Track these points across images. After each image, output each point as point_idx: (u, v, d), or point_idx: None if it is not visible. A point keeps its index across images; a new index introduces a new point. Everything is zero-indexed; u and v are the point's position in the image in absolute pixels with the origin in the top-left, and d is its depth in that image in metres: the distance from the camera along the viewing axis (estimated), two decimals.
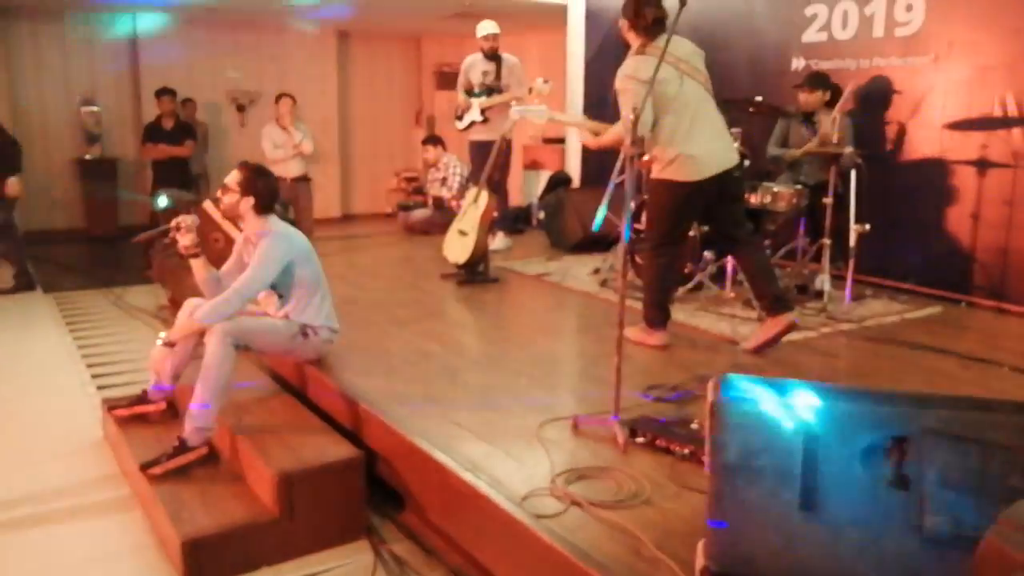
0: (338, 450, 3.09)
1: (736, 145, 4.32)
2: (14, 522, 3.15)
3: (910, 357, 4.06)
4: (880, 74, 5.45)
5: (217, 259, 3.80)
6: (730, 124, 4.14)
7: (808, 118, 5.26)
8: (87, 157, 9.60)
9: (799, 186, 4.92)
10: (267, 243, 3.41)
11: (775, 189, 4.79)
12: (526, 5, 8.36)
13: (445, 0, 8.45)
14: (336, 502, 3.00)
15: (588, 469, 2.66)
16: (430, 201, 7.72)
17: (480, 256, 5.51)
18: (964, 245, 5.18)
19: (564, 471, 2.63)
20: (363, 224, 10.54)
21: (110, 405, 3.80)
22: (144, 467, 3.12)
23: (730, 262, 4.93)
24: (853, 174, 4.78)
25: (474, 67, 6.62)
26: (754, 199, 4.77)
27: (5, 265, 6.97)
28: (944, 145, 5.22)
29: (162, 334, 3.56)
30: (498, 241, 6.64)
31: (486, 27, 6.53)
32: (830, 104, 5.25)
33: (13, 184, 6.67)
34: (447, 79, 11.15)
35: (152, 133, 8.44)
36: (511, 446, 2.85)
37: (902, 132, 5.42)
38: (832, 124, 4.76)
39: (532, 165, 10.02)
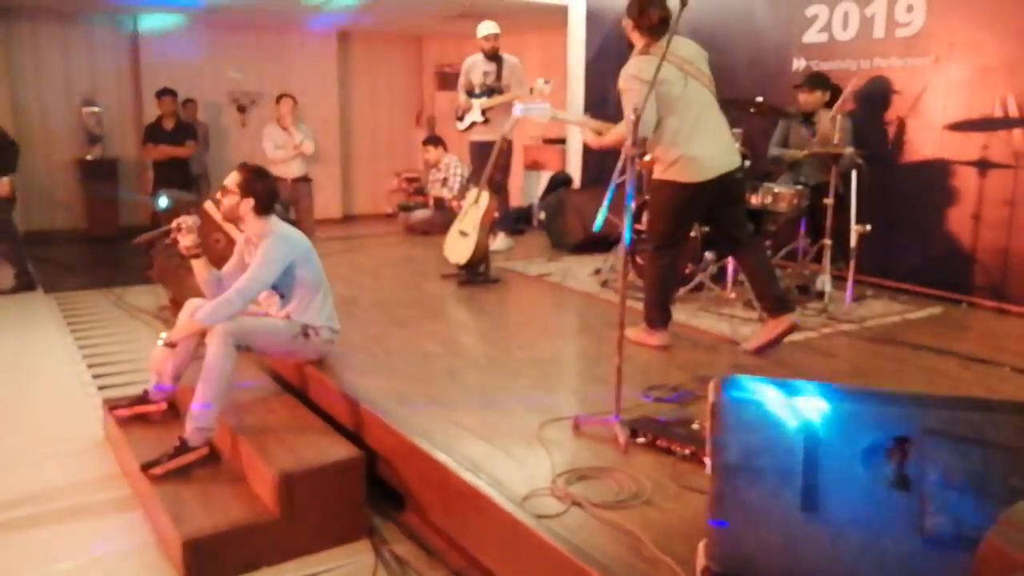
0: (339, 450, 3.09)
1: (737, 146, 4.32)
2: (15, 522, 3.16)
3: (911, 357, 4.06)
4: (881, 75, 5.46)
5: (218, 260, 3.80)
6: (731, 124, 4.14)
7: (808, 118, 5.26)
8: (88, 157, 9.60)
9: (800, 187, 4.92)
10: (268, 244, 3.41)
11: (776, 190, 4.79)
12: (527, 6, 8.36)
13: (446, 0, 8.45)
14: (337, 502, 3.00)
15: (589, 469, 2.66)
16: (431, 202, 7.72)
17: (481, 257, 5.51)
18: (965, 245, 5.18)
19: (565, 471, 2.64)
20: (364, 225, 10.54)
21: (111, 405, 3.80)
22: (145, 467, 3.12)
23: (731, 263, 4.93)
24: (854, 175, 4.78)
25: (475, 68, 6.62)
26: (755, 200, 4.77)
27: (5, 265, 6.97)
28: (945, 146, 5.22)
29: (163, 335, 3.56)
30: (499, 242, 6.64)
31: (487, 27, 6.53)
32: (830, 104, 5.25)
33: (3, 184, 6.66)
34: (448, 80, 11.16)
35: (153, 133, 8.45)
36: (512, 446, 2.85)
37: (903, 133, 5.42)
38: (832, 124, 4.76)
39: (533, 166, 10.02)
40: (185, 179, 8.46)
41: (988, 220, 5.05)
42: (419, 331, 4.36)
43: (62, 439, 3.91)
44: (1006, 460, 1.77)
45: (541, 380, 3.63)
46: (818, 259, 4.95)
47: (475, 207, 5.48)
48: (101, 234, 9.49)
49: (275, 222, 3.53)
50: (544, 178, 9.06)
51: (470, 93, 6.64)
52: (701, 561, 1.96)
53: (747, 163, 4.88)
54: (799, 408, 1.87)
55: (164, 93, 8.52)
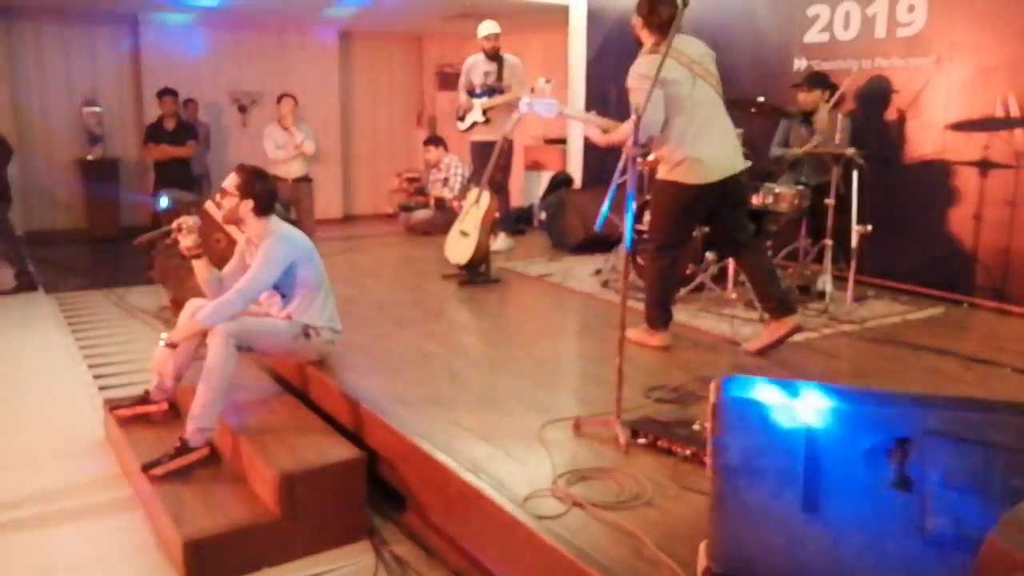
0: (339, 451, 3.09)
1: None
2: (16, 523, 3.16)
3: (912, 358, 4.06)
4: (882, 75, 5.45)
5: (219, 260, 3.80)
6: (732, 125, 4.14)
7: (808, 118, 5.26)
8: (89, 158, 9.60)
9: (801, 187, 4.92)
10: (269, 244, 3.41)
11: (777, 190, 4.79)
12: (528, 5, 8.36)
13: (447, 0, 8.45)
14: (337, 503, 3.00)
15: (590, 470, 2.66)
16: (432, 202, 7.72)
17: (482, 257, 5.51)
18: (966, 246, 5.18)
19: (566, 472, 2.63)
20: (364, 225, 10.54)
21: (112, 405, 3.80)
22: (146, 468, 3.12)
23: (731, 263, 4.93)
24: (855, 175, 4.78)
25: (476, 68, 6.62)
26: (756, 200, 4.77)
27: (4, 266, 6.97)
28: (946, 146, 5.21)
29: (164, 335, 3.56)
30: (500, 242, 6.63)
31: (487, 27, 6.52)
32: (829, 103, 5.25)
33: None
34: (448, 79, 11.16)
35: (154, 134, 8.45)
36: (513, 447, 2.85)
37: (904, 133, 5.42)
38: (832, 123, 4.75)
39: (534, 166, 10.02)
40: (186, 179, 8.46)
41: (989, 220, 5.05)
42: (420, 331, 4.36)
43: (63, 439, 3.91)
44: (1007, 461, 1.77)
45: (542, 380, 3.63)
46: (819, 259, 4.95)
47: (476, 207, 5.48)
48: (102, 234, 9.49)
49: (275, 222, 3.53)
50: (545, 178, 9.06)
51: (471, 93, 6.64)
52: (702, 562, 1.96)
53: (749, 163, 4.87)
54: (800, 409, 1.87)
55: (165, 93, 8.52)
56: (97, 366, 5.01)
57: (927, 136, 5.30)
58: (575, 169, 8.29)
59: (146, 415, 3.68)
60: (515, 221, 7.68)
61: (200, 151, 9.19)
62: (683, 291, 4.91)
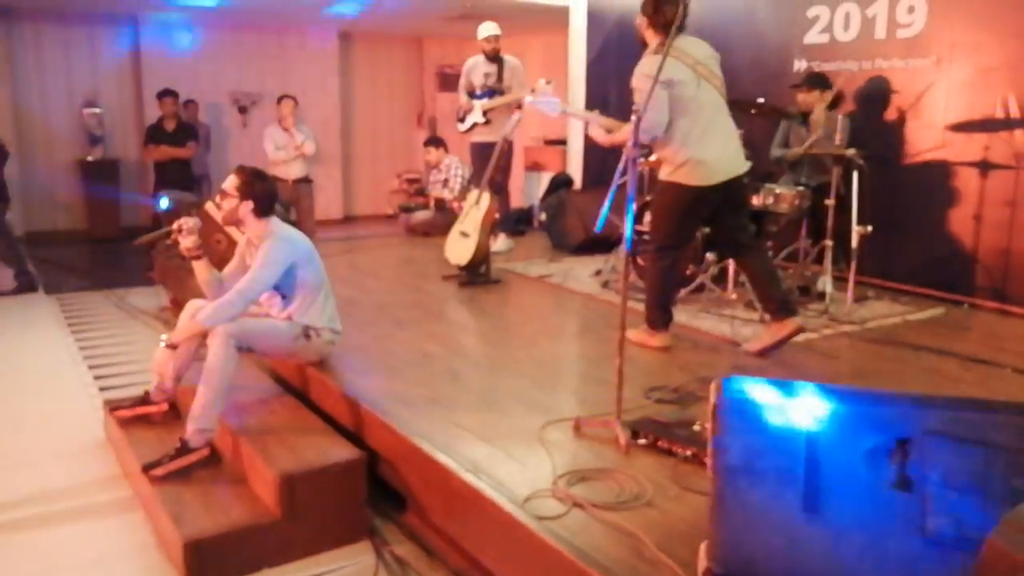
0: (340, 451, 3.09)
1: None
2: (16, 523, 3.16)
3: (912, 358, 4.06)
4: (882, 75, 5.46)
5: (219, 260, 3.80)
6: None
7: (807, 119, 5.26)
8: (89, 159, 9.61)
9: (801, 188, 4.92)
10: (269, 245, 3.41)
11: (777, 191, 4.79)
12: (528, 7, 8.36)
13: (447, 1, 8.45)
14: (338, 503, 2.99)
15: (590, 471, 2.66)
16: (432, 203, 7.72)
17: (482, 258, 5.51)
18: (966, 246, 5.18)
19: (566, 472, 2.63)
20: (365, 225, 10.55)
21: (112, 406, 3.80)
22: (146, 468, 3.12)
23: (731, 264, 4.92)
24: (855, 176, 4.78)
25: (476, 69, 6.62)
26: (756, 201, 4.77)
27: (2, 266, 6.96)
28: (946, 146, 5.22)
29: (164, 336, 3.56)
30: (500, 243, 6.64)
31: (488, 29, 6.53)
32: (829, 104, 5.25)
33: None
34: (449, 81, 11.17)
35: (154, 134, 8.45)
36: (513, 447, 2.85)
37: (904, 134, 5.42)
38: (831, 123, 4.75)
39: (534, 167, 10.03)
40: (186, 180, 8.46)
41: (989, 221, 5.05)
42: (420, 332, 4.36)
43: (63, 440, 3.91)
44: (1007, 461, 1.77)
45: (542, 381, 3.63)
46: (819, 260, 4.95)
47: (476, 208, 5.48)
48: (102, 235, 9.49)
49: (276, 223, 3.53)
50: (545, 179, 9.06)
51: (471, 94, 6.64)
52: (703, 563, 1.96)
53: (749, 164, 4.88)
54: (800, 410, 1.87)
55: (165, 94, 8.52)
56: (97, 367, 5.01)
57: (927, 137, 5.31)
58: (575, 170, 8.29)
59: (146, 416, 3.68)
60: (515, 222, 7.69)
61: (200, 152, 9.19)
62: (683, 292, 4.90)
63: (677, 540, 2.22)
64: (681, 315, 4.45)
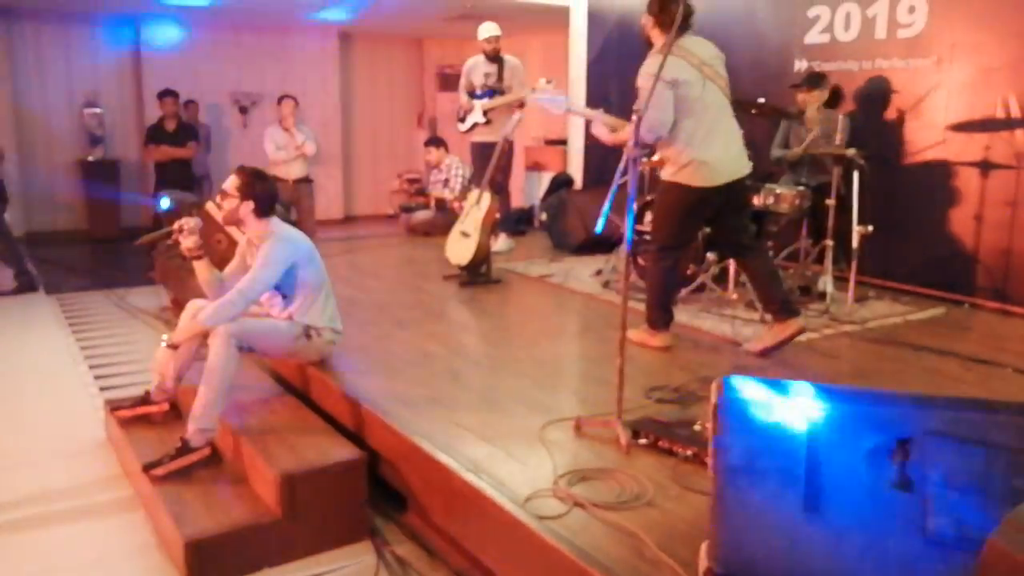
0: (341, 451, 3.09)
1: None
2: (17, 523, 3.16)
3: (913, 358, 4.05)
4: (882, 75, 5.45)
5: (220, 260, 3.80)
6: None
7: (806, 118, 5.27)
8: (90, 159, 9.61)
9: (801, 188, 4.92)
10: (270, 245, 3.41)
11: (778, 191, 4.79)
12: (528, 6, 8.36)
13: (447, 1, 8.45)
14: (338, 503, 2.99)
15: (591, 470, 2.66)
16: (432, 203, 7.73)
17: (482, 257, 5.51)
18: (967, 246, 5.18)
19: (567, 472, 2.63)
20: (365, 225, 10.55)
21: (113, 406, 3.80)
22: (147, 468, 3.12)
23: (732, 263, 4.92)
24: (856, 175, 4.78)
25: (476, 69, 6.62)
26: (757, 201, 4.77)
27: (2, 267, 6.96)
28: (947, 146, 5.22)
29: (165, 336, 3.56)
30: (500, 242, 6.64)
31: (488, 30, 6.53)
32: (828, 104, 5.25)
33: None
34: (449, 80, 11.17)
35: (155, 135, 8.46)
36: (514, 447, 2.85)
37: (904, 133, 5.42)
38: (831, 123, 4.75)
39: (534, 166, 10.03)
40: (187, 180, 8.46)
41: (990, 221, 5.05)
42: (420, 332, 4.36)
43: (64, 440, 3.91)
44: (1008, 461, 1.77)
45: (543, 381, 3.63)
46: (820, 260, 4.95)
47: (476, 208, 5.48)
48: (103, 235, 9.49)
49: (276, 223, 3.53)
50: (545, 179, 9.07)
51: (472, 94, 6.64)
52: (703, 562, 1.96)
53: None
54: (801, 409, 1.87)
55: (166, 94, 8.52)
56: (98, 367, 5.01)
57: (928, 137, 5.31)
58: (576, 170, 8.29)
59: (147, 416, 3.68)
60: (516, 222, 7.69)
61: (201, 152, 9.20)
62: (684, 292, 4.91)
63: (678, 540, 2.22)
64: (682, 315, 4.45)
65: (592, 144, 7.92)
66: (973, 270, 5.15)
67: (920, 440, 1.81)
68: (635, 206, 2.93)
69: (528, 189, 9.99)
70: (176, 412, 3.70)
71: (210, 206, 4.68)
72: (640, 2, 3.89)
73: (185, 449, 3.16)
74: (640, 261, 5.04)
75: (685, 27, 3.71)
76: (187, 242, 3.47)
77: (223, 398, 3.18)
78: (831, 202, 4.74)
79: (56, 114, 9.58)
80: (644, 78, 3.68)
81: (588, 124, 4.86)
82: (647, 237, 4.81)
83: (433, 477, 2.79)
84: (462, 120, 6.75)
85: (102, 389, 4.59)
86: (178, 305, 5.57)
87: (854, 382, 3.66)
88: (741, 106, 4.97)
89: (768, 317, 4.12)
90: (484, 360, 4.05)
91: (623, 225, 2.91)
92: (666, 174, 3.92)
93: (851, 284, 4.80)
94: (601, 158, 7.54)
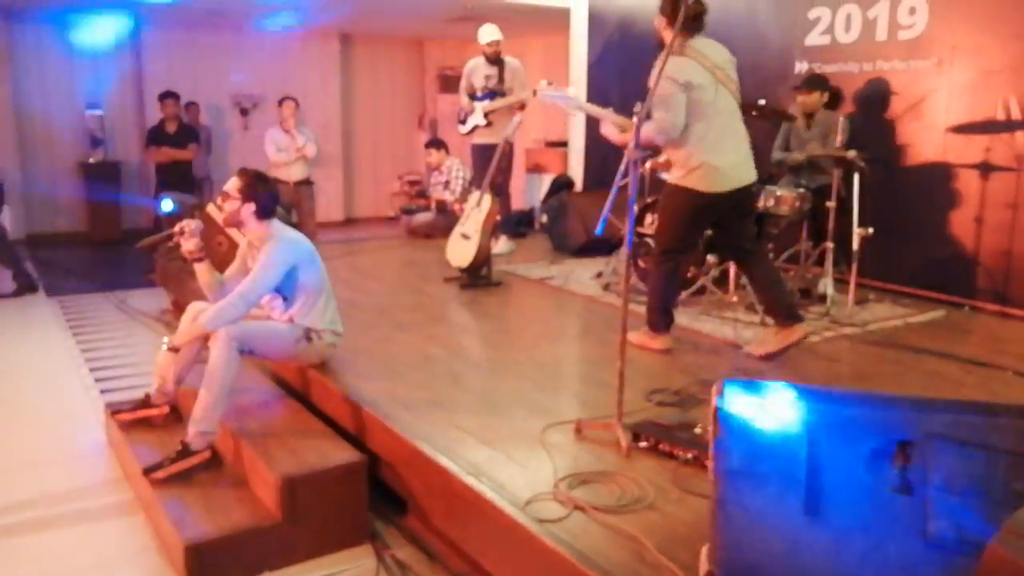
0: (341, 454, 3.09)
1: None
2: (16, 526, 3.16)
3: (913, 361, 4.05)
4: (883, 77, 5.45)
5: (221, 262, 3.81)
6: None
7: (806, 120, 5.26)
8: (91, 161, 9.62)
9: (801, 190, 4.92)
10: (270, 248, 3.41)
11: (778, 193, 4.79)
12: (529, 8, 8.37)
13: (448, 3, 8.46)
14: (339, 506, 2.99)
15: (591, 473, 2.66)
16: (433, 205, 7.73)
17: (483, 260, 5.51)
18: (967, 249, 5.17)
19: (567, 475, 2.63)
20: (366, 228, 10.57)
21: (113, 409, 3.80)
22: (147, 471, 3.12)
23: (732, 266, 4.92)
24: (856, 177, 4.77)
25: (477, 71, 6.62)
26: (757, 203, 4.76)
27: (1, 269, 6.96)
28: (947, 149, 5.21)
29: (166, 339, 3.56)
30: (501, 245, 6.64)
31: (489, 33, 6.52)
32: (829, 105, 5.25)
33: None
34: (449, 82, 11.18)
35: (155, 137, 8.45)
36: (514, 450, 2.85)
37: (905, 135, 5.42)
38: (832, 124, 4.75)
39: (535, 168, 10.03)
40: (188, 182, 8.45)
41: (991, 223, 5.05)
42: (421, 334, 4.36)
43: (64, 442, 3.91)
44: (1009, 464, 1.77)
45: (543, 384, 3.63)
46: (820, 262, 4.94)
47: (477, 210, 5.48)
48: (103, 238, 9.51)
49: (277, 226, 3.53)
50: (546, 181, 9.07)
51: (472, 96, 6.65)
52: (704, 566, 1.96)
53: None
54: (802, 412, 1.87)
55: (166, 96, 8.51)
56: (98, 369, 5.01)
57: (928, 139, 5.30)
58: (576, 172, 8.29)
59: (147, 419, 3.68)
60: (516, 224, 7.69)
61: (202, 154, 9.20)
62: (684, 294, 4.90)
63: (678, 543, 2.22)
64: (682, 317, 4.45)
65: (592, 146, 7.93)
66: (973, 272, 5.15)
67: (920, 443, 1.81)
68: (635, 208, 2.92)
69: (529, 191, 10.00)
70: (176, 415, 3.69)
71: (211, 208, 4.68)
72: (641, 3, 3.88)
73: (185, 452, 3.15)
74: (641, 264, 5.04)
75: (698, 28, 3.70)
76: (188, 244, 3.47)
77: (223, 401, 3.17)
78: (831, 204, 4.74)
79: (57, 116, 9.59)
80: (667, 82, 3.59)
81: (590, 123, 4.84)
82: (648, 240, 4.81)
83: (433, 480, 2.79)
84: (463, 122, 6.75)
85: (102, 392, 4.59)
86: (179, 307, 5.57)
87: (854, 385, 3.66)
88: (741, 108, 4.97)
89: (768, 320, 4.11)
90: (484, 363, 4.05)
91: (623, 227, 2.91)
92: (673, 177, 3.88)
93: (851, 286, 4.80)
94: (601, 160, 7.55)
